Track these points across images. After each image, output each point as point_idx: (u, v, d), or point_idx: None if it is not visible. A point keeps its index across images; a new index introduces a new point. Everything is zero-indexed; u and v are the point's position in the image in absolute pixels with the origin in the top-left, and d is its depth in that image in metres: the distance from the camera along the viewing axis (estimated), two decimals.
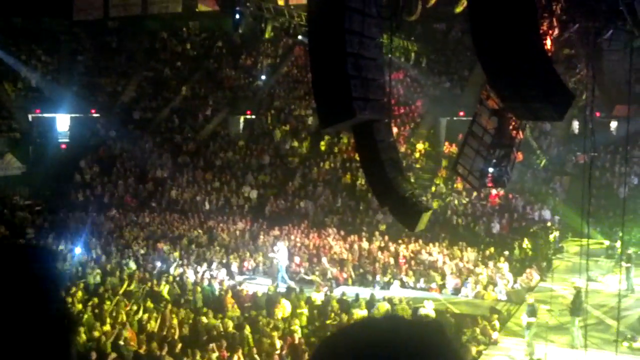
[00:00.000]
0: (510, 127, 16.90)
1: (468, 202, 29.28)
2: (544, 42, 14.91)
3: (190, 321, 17.35)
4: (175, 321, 17.03)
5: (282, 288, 22.29)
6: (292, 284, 22.76)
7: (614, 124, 31.27)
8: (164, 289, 20.81)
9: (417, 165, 32.41)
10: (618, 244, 22.76)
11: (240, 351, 15.00)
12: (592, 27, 16.48)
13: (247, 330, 16.32)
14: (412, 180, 28.68)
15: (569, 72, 19.28)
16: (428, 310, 18.45)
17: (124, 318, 17.16)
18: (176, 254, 25.94)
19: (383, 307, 18.92)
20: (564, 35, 17.41)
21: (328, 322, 18.02)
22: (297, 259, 25.45)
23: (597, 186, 23.38)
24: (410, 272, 23.58)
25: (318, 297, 20.13)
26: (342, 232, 27.76)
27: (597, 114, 25.99)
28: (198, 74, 43.54)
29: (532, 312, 17.16)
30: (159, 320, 17.17)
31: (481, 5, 9.98)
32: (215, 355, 14.60)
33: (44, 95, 41.28)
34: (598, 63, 18.70)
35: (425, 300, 19.63)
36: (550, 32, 16.23)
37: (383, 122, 14.01)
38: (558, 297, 19.77)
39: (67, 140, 41.47)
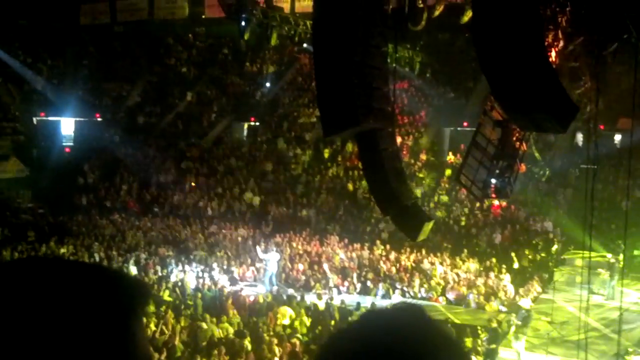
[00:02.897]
0: (514, 138, 16.91)
1: (470, 213, 29.24)
2: (549, 54, 14.93)
3: (196, 327, 17.29)
4: (176, 326, 17.01)
5: (267, 292, 22.63)
6: (289, 290, 22.76)
7: (617, 137, 31.25)
8: (165, 294, 20.81)
9: (420, 175, 32.40)
10: (620, 256, 22.73)
11: (239, 358, 14.97)
12: (597, 39, 16.50)
13: (247, 337, 16.30)
14: (415, 189, 28.70)
15: (573, 85, 19.26)
16: None
17: None
18: (177, 259, 25.95)
19: None
20: (569, 47, 17.44)
21: (329, 330, 17.97)
22: (299, 267, 25.46)
23: (599, 199, 23.31)
24: (412, 282, 23.54)
25: (319, 305, 20.10)
26: (344, 240, 27.74)
27: (601, 127, 26.01)
28: (203, 80, 43.64)
29: (525, 319, 17.22)
30: (159, 325, 17.15)
31: (486, 16, 10.01)
32: None
33: (48, 99, 41.39)
34: (602, 76, 18.70)
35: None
36: (556, 44, 16.26)
37: (387, 131, 14.02)
38: (559, 309, 19.75)
39: (71, 143, 41.55)
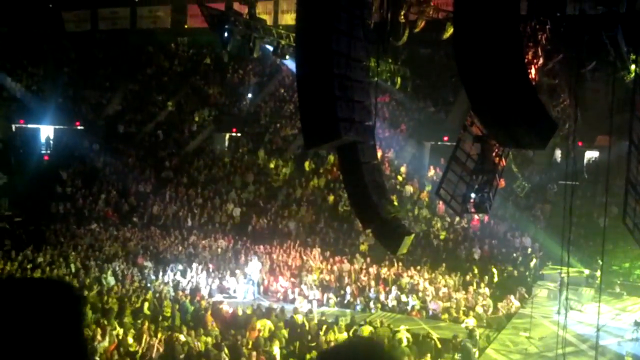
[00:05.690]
0: (493, 153, 17.04)
1: (450, 227, 29.34)
2: (529, 71, 15.11)
3: (174, 339, 17.10)
4: (153, 339, 16.84)
5: (249, 302, 22.49)
6: (266, 301, 22.68)
7: (595, 154, 31.58)
8: (145, 305, 20.61)
9: (400, 189, 32.45)
10: (598, 272, 22.89)
11: None
12: (576, 57, 16.72)
13: (226, 350, 16.18)
14: (395, 203, 28.74)
15: (552, 102, 19.52)
16: (404, 333, 18.43)
17: (99, 333, 16.93)
18: (156, 270, 25.73)
19: (366, 330, 18.81)
20: (548, 64, 17.66)
21: (307, 343, 17.91)
22: (280, 279, 25.37)
23: (577, 215, 23.52)
24: (391, 295, 23.54)
25: (298, 318, 20.02)
26: (325, 253, 27.69)
27: (580, 144, 26.29)
28: (184, 90, 43.48)
29: (471, 337, 17.29)
30: (138, 337, 16.97)
31: (467, 32, 10.09)
32: None
33: (28, 106, 41.01)
34: (581, 93, 18.94)
35: (404, 324, 19.62)
36: (535, 61, 16.46)
37: (368, 144, 14.06)
38: (537, 325, 19.85)
39: (49, 151, 41.17)
